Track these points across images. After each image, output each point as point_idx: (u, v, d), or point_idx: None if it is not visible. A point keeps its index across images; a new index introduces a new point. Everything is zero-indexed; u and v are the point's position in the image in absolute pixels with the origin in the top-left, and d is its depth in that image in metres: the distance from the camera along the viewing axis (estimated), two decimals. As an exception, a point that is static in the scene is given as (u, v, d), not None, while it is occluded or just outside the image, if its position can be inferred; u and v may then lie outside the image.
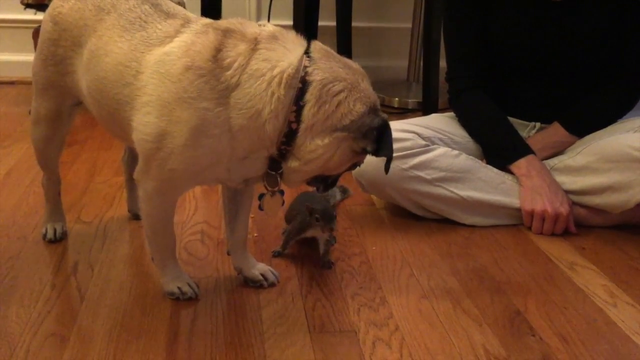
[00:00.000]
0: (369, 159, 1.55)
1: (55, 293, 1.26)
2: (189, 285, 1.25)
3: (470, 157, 1.61)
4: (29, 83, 1.44)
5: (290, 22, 2.67)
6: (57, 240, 1.44)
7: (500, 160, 1.63)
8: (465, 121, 1.71)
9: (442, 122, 1.70)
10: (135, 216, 1.54)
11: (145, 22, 1.13)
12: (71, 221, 1.53)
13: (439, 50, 2.28)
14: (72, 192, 1.70)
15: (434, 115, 1.74)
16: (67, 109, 1.34)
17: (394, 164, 1.53)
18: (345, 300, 1.28)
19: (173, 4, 1.20)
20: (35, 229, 1.49)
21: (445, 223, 1.61)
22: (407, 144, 1.55)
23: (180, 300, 1.23)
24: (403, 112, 2.52)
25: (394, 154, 1.52)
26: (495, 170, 1.62)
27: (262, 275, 1.31)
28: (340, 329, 1.19)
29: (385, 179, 1.55)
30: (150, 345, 1.11)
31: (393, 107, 2.59)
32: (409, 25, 2.70)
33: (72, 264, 1.36)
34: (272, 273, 1.32)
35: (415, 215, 1.63)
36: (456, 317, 1.23)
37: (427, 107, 2.33)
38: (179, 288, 1.24)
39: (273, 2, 2.67)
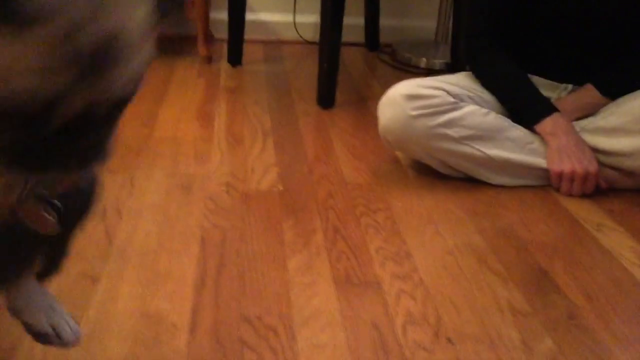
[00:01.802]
0: (394, 116, 1.55)
1: (84, 236, 1.27)
2: None
3: (500, 115, 1.58)
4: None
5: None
6: None
7: (524, 120, 1.61)
8: (485, 80, 1.67)
9: (471, 80, 1.67)
10: None
11: None
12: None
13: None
14: (99, 141, 1.71)
15: (463, 73, 1.70)
16: None
17: (422, 122, 1.52)
18: (370, 254, 1.28)
19: None
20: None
21: (471, 182, 1.60)
22: (436, 100, 1.53)
23: None
24: (430, 73, 2.47)
25: (422, 111, 1.52)
26: (524, 130, 1.59)
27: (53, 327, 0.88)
28: (364, 280, 1.20)
29: (412, 136, 1.55)
30: (178, 290, 1.13)
31: (420, 68, 2.55)
32: (439, -17, 2.64)
33: (101, 209, 1.38)
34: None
35: (441, 174, 1.62)
36: (481, 273, 1.23)
37: (455, 68, 2.29)
38: None
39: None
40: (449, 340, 1.05)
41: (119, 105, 0.62)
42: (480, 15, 1.67)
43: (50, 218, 0.76)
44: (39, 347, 0.98)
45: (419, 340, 1.04)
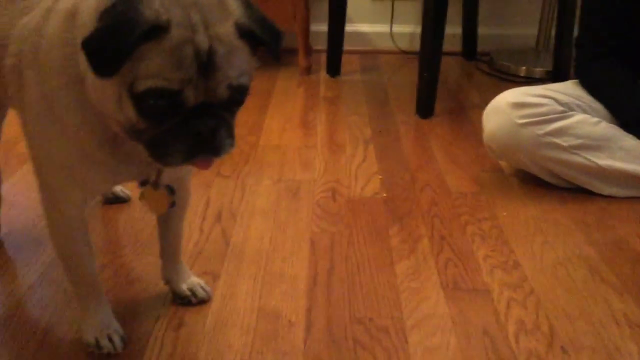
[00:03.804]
0: (500, 124, 1.54)
1: (203, 237, 1.36)
2: (110, 338, 1.01)
3: (611, 125, 1.54)
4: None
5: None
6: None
7: (638, 131, 1.55)
8: (596, 89, 1.62)
9: (579, 89, 1.63)
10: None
11: None
12: (212, 174, 1.63)
13: (574, 19, 2.18)
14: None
15: (571, 82, 1.67)
16: None
17: (529, 130, 1.51)
18: (477, 261, 1.29)
19: None
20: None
21: (579, 192, 1.56)
22: (543, 109, 1.51)
23: (96, 354, 1.01)
24: (529, 81, 2.43)
25: (530, 120, 1.51)
26: (637, 140, 1.54)
27: (191, 290, 1.14)
28: (473, 287, 1.20)
29: (518, 145, 1.53)
30: (292, 289, 1.19)
31: (519, 76, 2.51)
32: (541, -9, 2.59)
33: (216, 212, 1.46)
34: (203, 288, 1.14)
35: (546, 183, 1.59)
36: (594, 285, 1.21)
37: (557, 77, 2.24)
38: (96, 340, 1.01)
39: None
40: (564, 350, 1.04)
41: (231, 99, 0.76)
42: (592, 23, 1.63)
43: (170, 198, 0.92)
44: (169, 335, 1.06)
45: (533, 349, 1.04)
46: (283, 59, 2.76)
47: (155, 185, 0.91)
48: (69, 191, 0.92)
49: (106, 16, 0.71)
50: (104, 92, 0.76)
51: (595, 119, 1.53)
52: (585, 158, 1.51)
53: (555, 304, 1.15)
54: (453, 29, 2.62)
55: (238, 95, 0.78)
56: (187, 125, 0.75)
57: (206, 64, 0.73)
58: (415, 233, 1.39)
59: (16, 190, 1.54)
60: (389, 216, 1.46)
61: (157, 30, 0.70)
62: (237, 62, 0.76)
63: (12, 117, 1.29)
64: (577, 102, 1.58)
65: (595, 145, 1.51)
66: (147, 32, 0.70)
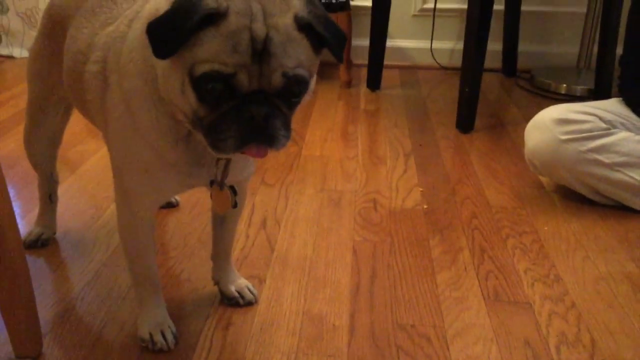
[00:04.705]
0: (543, 140, 1.55)
1: (249, 242, 1.40)
2: (163, 335, 1.06)
3: (656, 143, 1.54)
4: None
5: (460, 6, 2.69)
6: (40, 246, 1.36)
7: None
8: None
9: (623, 107, 1.63)
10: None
11: (115, 2, 1.01)
12: (257, 182, 1.68)
13: (617, 37, 2.18)
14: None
15: (614, 99, 1.67)
16: (53, 104, 1.24)
17: (572, 146, 1.52)
18: (518, 274, 1.30)
19: None
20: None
21: (620, 209, 1.56)
22: (587, 126, 1.52)
23: (150, 350, 1.06)
24: (570, 99, 2.43)
25: (573, 136, 1.52)
26: (681, 158, 1.54)
27: (239, 292, 1.18)
28: (514, 300, 1.22)
29: (560, 161, 1.55)
30: (336, 295, 1.22)
31: (560, 94, 2.51)
32: (584, 10, 2.59)
33: (261, 219, 1.51)
34: (250, 291, 1.19)
35: (587, 200, 1.60)
36: (637, 302, 1.21)
37: (598, 95, 2.24)
38: (150, 335, 1.06)
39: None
40: (606, 363, 1.04)
41: (286, 88, 0.79)
42: (637, 41, 1.64)
43: (233, 198, 0.97)
44: (218, 334, 1.10)
45: (574, 361, 1.05)
46: (324, 72, 2.83)
47: (221, 185, 0.94)
48: (143, 194, 0.98)
49: (173, 3, 0.76)
50: (170, 82, 0.80)
51: (639, 137, 1.53)
52: (628, 175, 1.51)
53: (597, 318, 1.16)
54: (494, 46, 2.64)
55: (294, 85, 0.79)
56: (242, 110, 0.78)
57: (261, 51, 0.76)
58: (456, 245, 1.41)
59: (72, 192, 1.61)
60: (430, 227, 1.48)
61: (217, 16, 0.75)
62: (294, 53, 0.78)
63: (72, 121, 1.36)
64: (621, 119, 1.58)
65: (638, 162, 1.51)
66: (206, 18, 0.74)
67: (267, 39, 0.76)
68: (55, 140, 1.32)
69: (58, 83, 1.15)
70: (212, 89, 0.77)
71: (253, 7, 0.77)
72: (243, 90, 0.77)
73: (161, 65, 0.80)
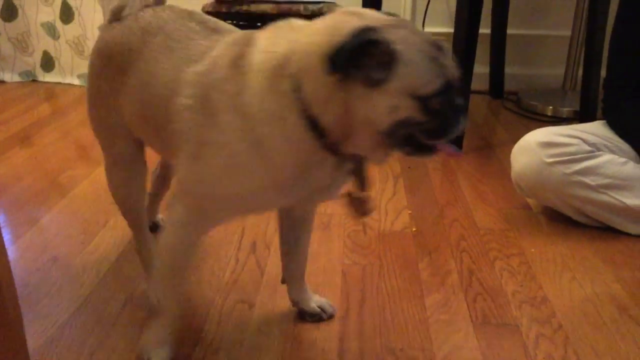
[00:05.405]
0: (529, 163, 1.58)
1: (239, 266, 1.41)
2: (161, 357, 1.09)
3: (639, 165, 1.57)
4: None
5: (447, 30, 2.73)
6: None
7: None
8: (624, 131, 1.65)
9: (607, 129, 1.66)
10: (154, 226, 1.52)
11: (190, 39, 1.04)
12: (247, 206, 1.69)
13: (601, 60, 2.22)
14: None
15: (598, 122, 1.70)
16: (132, 145, 1.19)
17: (558, 169, 1.54)
18: (506, 296, 1.31)
19: (222, 22, 1.09)
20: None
21: (606, 231, 1.58)
22: (572, 149, 1.55)
23: None
24: (556, 121, 2.47)
25: (558, 159, 1.54)
26: (665, 180, 1.56)
27: (320, 307, 1.23)
28: (502, 322, 1.23)
29: (546, 183, 1.57)
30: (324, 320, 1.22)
31: (546, 116, 2.55)
32: (569, 33, 2.64)
33: (251, 243, 1.51)
34: (330, 305, 1.24)
35: (574, 221, 1.61)
36: (623, 323, 1.22)
37: (584, 116, 2.28)
38: (148, 357, 1.09)
39: (429, 8, 2.75)
40: (593, 386, 1.05)
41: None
42: (620, 64, 1.67)
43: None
44: (208, 358, 1.10)
45: (562, 384, 1.06)
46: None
47: (362, 188, 0.99)
48: (206, 218, 1.01)
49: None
50: (375, 109, 0.83)
51: (623, 159, 1.56)
52: (613, 197, 1.53)
53: (584, 340, 1.17)
54: (481, 68, 2.69)
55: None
56: (454, 102, 0.88)
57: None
58: (444, 267, 1.42)
59: (62, 217, 1.62)
60: (419, 250, 1.49)
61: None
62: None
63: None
64: (605, 142, 1.61)
65: (622, 184, 1.53)
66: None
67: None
68: (143, 189, 1.27)
69: (121, 121, 1.14)
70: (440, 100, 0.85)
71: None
72: (455, 84, 0.87)
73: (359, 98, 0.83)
